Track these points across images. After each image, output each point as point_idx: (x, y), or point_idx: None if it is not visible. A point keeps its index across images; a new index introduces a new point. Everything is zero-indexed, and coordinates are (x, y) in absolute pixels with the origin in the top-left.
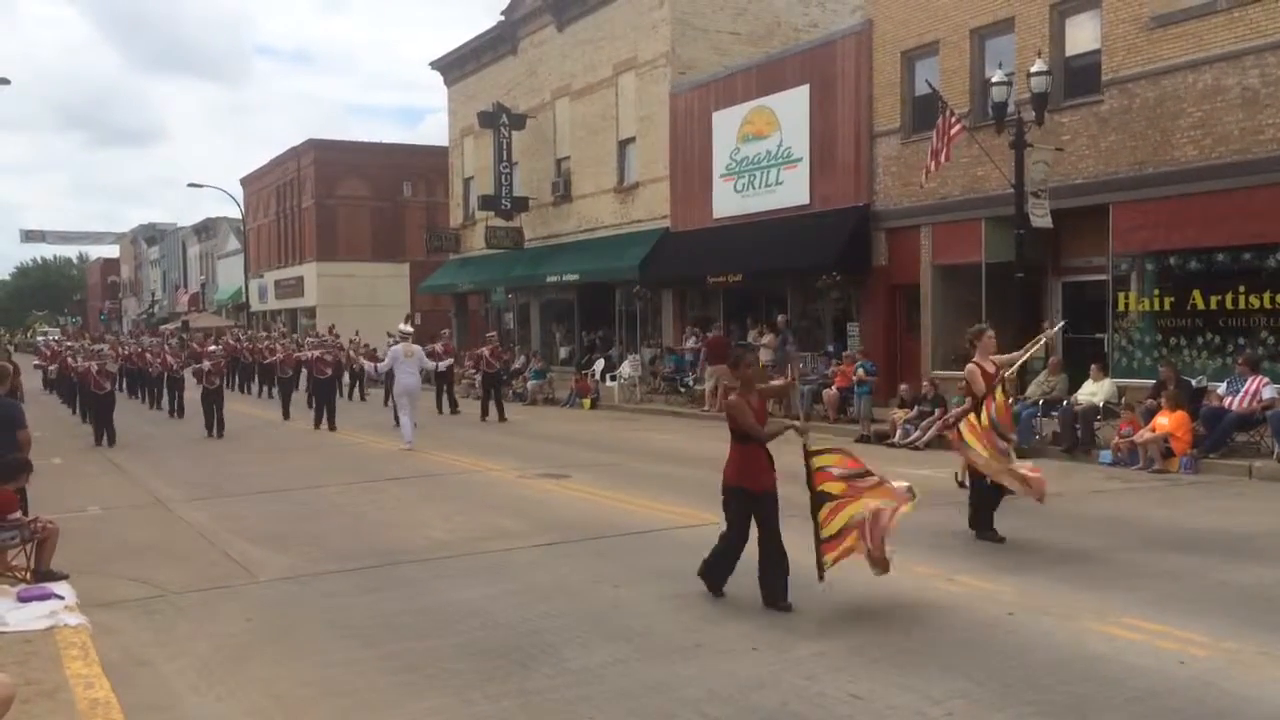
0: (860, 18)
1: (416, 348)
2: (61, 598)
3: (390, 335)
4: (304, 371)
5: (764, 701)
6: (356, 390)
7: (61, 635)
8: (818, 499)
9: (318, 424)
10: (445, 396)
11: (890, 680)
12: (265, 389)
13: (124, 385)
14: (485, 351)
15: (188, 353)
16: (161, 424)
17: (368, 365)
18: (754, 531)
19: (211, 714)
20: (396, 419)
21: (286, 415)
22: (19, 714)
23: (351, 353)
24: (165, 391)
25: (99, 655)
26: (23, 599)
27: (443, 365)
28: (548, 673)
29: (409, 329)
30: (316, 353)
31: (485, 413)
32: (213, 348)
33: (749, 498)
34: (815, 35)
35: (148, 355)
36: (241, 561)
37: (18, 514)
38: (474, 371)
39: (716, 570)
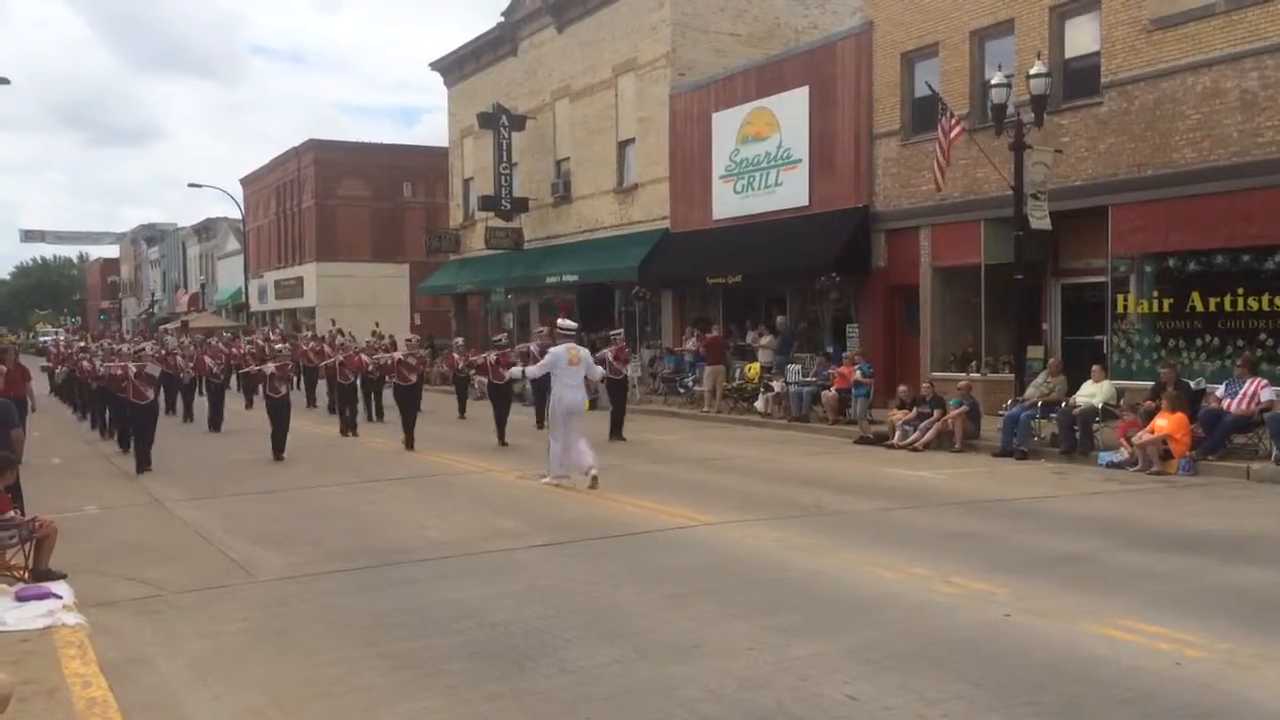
0: (860, 19)
1: (584, 351)
2: (59, 597)
3: (459, 339)
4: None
5: (761, 701)
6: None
7: (59, 634)
8: None
9: (409, 443)
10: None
11: (886, 681)
12: (308, 395)
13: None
14: (609, 353)
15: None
16: (204, 439)
17: (514, 368)
18: None
19: (209, 713)
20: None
21: (347, 430)
22: (17, 713)
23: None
24: (208, 400)
25: (97, 654)
26: (21, 598)
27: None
28: (545, 673)
29: (572, 325)
30: (399, 354)
31: (615, 431)
32: (279, 346)
33: None
34: (815, 37)
35: (178, 358)
36: (239, 561)
37: (11, 513)
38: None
39: None
